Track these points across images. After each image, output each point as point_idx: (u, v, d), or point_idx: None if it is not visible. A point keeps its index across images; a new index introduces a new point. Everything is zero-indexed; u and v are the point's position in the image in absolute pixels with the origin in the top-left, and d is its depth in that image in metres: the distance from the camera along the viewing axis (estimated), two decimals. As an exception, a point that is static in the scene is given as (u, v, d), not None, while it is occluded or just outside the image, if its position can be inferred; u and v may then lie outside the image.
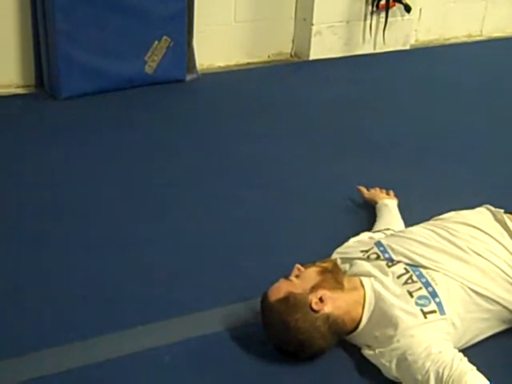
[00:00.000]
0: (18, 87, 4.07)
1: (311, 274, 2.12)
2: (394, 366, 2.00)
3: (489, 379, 1.88)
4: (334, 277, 2.13)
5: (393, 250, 2.24)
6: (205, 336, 2.20)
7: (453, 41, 5.50)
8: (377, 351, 2.05)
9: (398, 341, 1.99)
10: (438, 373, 1.90)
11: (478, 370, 1.91)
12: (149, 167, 3.30)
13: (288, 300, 2.04)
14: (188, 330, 2.23)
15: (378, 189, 2.97)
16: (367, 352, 2.09)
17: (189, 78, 4.33)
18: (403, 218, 2.71)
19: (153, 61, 4.14)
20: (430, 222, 2.42)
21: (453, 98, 4.35)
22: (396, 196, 2.90)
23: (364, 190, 3.00)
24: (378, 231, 2.56)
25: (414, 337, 1.98)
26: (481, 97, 4.39)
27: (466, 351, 2.02)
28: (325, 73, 4.68)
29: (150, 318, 2.25)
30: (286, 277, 2.13)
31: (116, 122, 3.76)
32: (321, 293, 2.06)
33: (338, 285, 2.12)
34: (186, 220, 2.86)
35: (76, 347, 2.13)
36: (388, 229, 2.55)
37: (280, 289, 2.08)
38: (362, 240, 2.46)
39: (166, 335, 2.19)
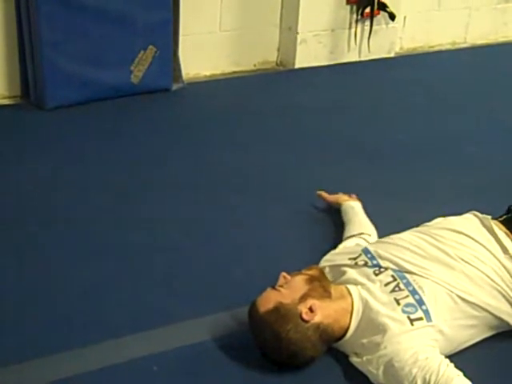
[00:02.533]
0: (4, 98, 4.06)
1: (299, 283, 2.11)
2: (381, 373, 2.00)
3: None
4: (322, 285, 2.13)
5: (380, 256, 2.24)
6: (193, 345, 2.20)
7: (437, 48, 5.53)
8: (364, 358, 2.05)
9: (385, 348, 2.00)
10: (424, 379, 1.90)
11: (465, 375, 1.92)
12: (136, 176, 3.29)
13: (278, 311, 2.03)
14: (176, 339, 2.22)
15: (340, 193, 2.98)
16: (355, 359, 2.09)
17: (175, 87, 4.34)
18: (389, 223, 2.68)
19: (139, 70, 4.14)
20: (418, 228, 2.42)
21: (438, 104, 4.37)
22: (359, 199, 2.91)
23: (325, 194, 3.00)
24: (352, 236, 2.57)
25: (401, 343, 1.99)
26: (465, 103, 4.41)
27: (452, 357, 2.03)
28: (310, 81, 4.69)
29: (138, 327, 2.25)
30: (273, 286, 2.12)
31: (102, 132, 3.76)
32: (310, 302, 2.06)
33: (326, 293, 2.12)
34: (172, 228, 2.86)
35: (64, 357, 2.12)
36: (362, 233, 2.57)
37: (269, 299, 2.07)
38: (349, 247, 2.47)
39: (154, 344, 2.18)
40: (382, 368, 2.00)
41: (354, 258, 2.28)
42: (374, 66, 5.03)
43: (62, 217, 2.92)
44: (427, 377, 1.90)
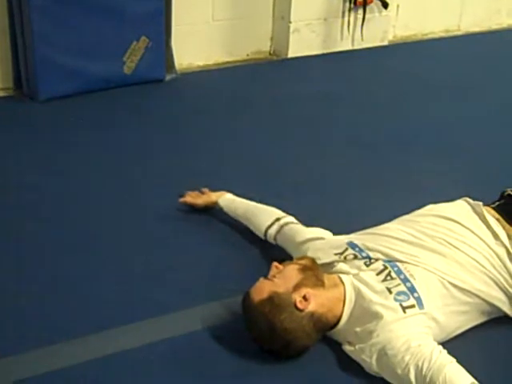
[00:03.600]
0: (-4, 90, 4.06)
1: (292, 272, 2.11)
2: (374, 361, 2.01)
3: (469, 371, 1.89)
4: (315, 274, 2.13)
5: (369, 248, 2.23)
6: (186, 335, 2.20)
7: (430, 36, 5.53)
8: (357, 347, 2.05)
9: (378, 336, 2.00)
10: (417, 366, 1.91)
11: (458, 362, 1.92)
12: (129, 167, 3.29)
13: (272, 300, 2.03)
14: (169, 329, 2.23)
15: (196, 192, 2.88)
16: (348, 348, 2.10)
17: (168, 77, 4.33)
18: (383, 211, 2.60)
19: (131, 61, 4.14)
20: (407, 216, 2.41)
21: (431, 92, 4.37)
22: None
23: (190, 199, 2.86)
24: (271, 225, 2.53)
25: (393, 331, 1.99)
26: (460, 91, 4.41)
27: (446, 344, 2.03)
28: (304, 70, 4.68)
29: (132, 317, 2.25)
30: (265, 276, 2.12)
31: (95, 123, 3.76)
32: (304, 291, 2.06)
33: (319, 282, 2.12)
34: (165, 220, 2.85)
35: (59, 349, 2.12)
36: (279, 218, 2.55)
37: (263, 289, 2.07)
38: (329, 241, 2.39)
39: (149, 334, 2.19)
40: (374, 356, 2.00)
41: (341, 253, 2.25)
42: (368, 55, 5.03)
43: (53, 207, 2.92)
44: (420, 364, 1.91)
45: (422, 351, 1.93)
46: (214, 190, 2.89)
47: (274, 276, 2.10)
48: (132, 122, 3.80)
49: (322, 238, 2.40)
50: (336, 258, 2.25)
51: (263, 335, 2.06)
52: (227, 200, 2.76)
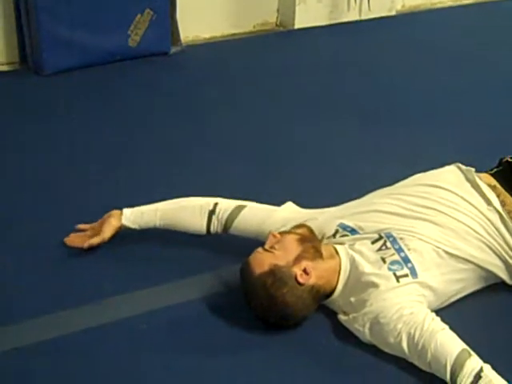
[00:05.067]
0: (2, 64, 4.06)
1: (292, 244, 2.10)
2: (367, 330, 2.01)
3: (462, 338, 1.90)
4: (314, 246, 2.12)
5: (362, 228, 2.20)
6: (185, 303, 2.22)
7: (439, 5, 5.48)
8: (351, 316, 2.06)
9: (371, 305, 2.01)
10: (409, 333, 1.92)
11: (451, 328, 1.93)
12: (135, 139, 3.31)
13: (274, 274, 2.02)
14: (168, 298, 2.24)
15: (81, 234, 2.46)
16: (342, 318, 2.10)
17: (173, 50, 4.32)
18: (382, 179, 2.50)
19: (136, 34, 4.13)
20: (397, 186, 2.35)
21: (439, 62, 4.34)
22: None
23: (83, 243, 2.39)
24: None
25: (386, 300, 2.00)
26: (468, 61, 4.37)
27: (439, 311, 2.05)
28: (310, 41, 4.67)
29: (126, 287, 2.27)
30: (264, 247, 2.09)
31: (100, 96, 3.76)
32: (304, 264, 2.05)
33: (318, 253, 2.11)
34: (169, 192, 2.81)
35: (53, 318, 2.14)
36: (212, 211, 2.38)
37: (263, 261, 2.05)
38: (319, 225, 2.26)
39: (142, 304, 2.20)
40: (367, 325, 2.01)
41: (333, 236, 2.23)
42: (375, 25, 4.99)
43: (56, 180, 2.93)
44: (412, 331, 1.92)
45: (414, 319, 1.93)
46: (219, 158, 2.95)
47: (273, 247, 2.08)
48: (137, 95, 3.80)
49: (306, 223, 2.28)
50: (327, 241, 2.22)
51: (263, 307, 2.06)
52: (133, 216, 2.40)
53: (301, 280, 2.04)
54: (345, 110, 3.65)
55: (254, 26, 4.84)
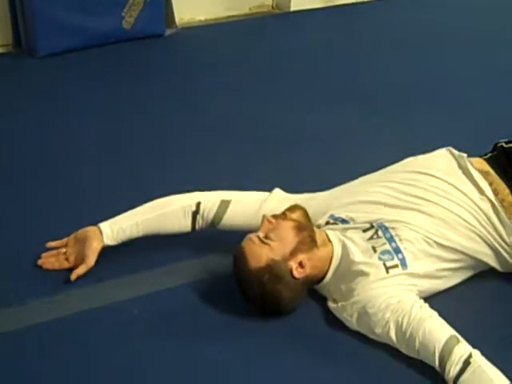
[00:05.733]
0: (-4, 47, 4.05)
1: (288, 235, 2.05)
2: (354, 320, 2.01)
3: (451, 324, 1.90)
4: (310, 235, 2.08)
5: (353, 219, 2.17)
6: (176, 288, 2.22)
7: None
8: (339, 304, 2.05)
9: (359, 294, 2.00)
10: (397, 322, 1.92)
11: (442, 315, 1.92)
12: (129, 122, 3.29)
13: (271, 270, 1.99)
14: (158, 282, 2.24)
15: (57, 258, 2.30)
16: (331, 305, 2.09)
17: (168, 32, 4.30)
18: (380, 163, 2.46)
19: (130, 16, 4.11)
20: (387, 171, 2.33)
21: (436, 44, 4.32)
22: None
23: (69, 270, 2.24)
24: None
25: (374, 290, 1.99)
26: (467, 42, 4.35)
27: (431, 298, 2.05)
28: (306, 24, 4.65)
29: (118, 271, 2.26)
30: (258, 236, 2.03)
31: (95, 79, 3.74)
32: (300, 257, 2.03)
33: (313, 242, 2.08)
34: (161, 176, 2.84)
35: (45, 302, 2.14)
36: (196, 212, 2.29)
37: (260, 255, 2.00)
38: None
39: (134, 288, 2.20)
40: (355, 315, 2.00)
41: (325, 224, 2.21)
42: (373, 7, 4.97)
43: (49, 164, 2.92)
44: (400, 319, 1.91)
45: (402, 307, 1.93)
46: (206, 142, 2.92)
47: (268, 236, 2.03)
48: (131, 77, 3.79)
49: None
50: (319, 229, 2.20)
51: (256, 299, 2.05)
52: (115, 234, 2.26)
53: (297, 275, 2.02)
54: (341, 93, 3.63)
55: (250, 9, 4.82)
